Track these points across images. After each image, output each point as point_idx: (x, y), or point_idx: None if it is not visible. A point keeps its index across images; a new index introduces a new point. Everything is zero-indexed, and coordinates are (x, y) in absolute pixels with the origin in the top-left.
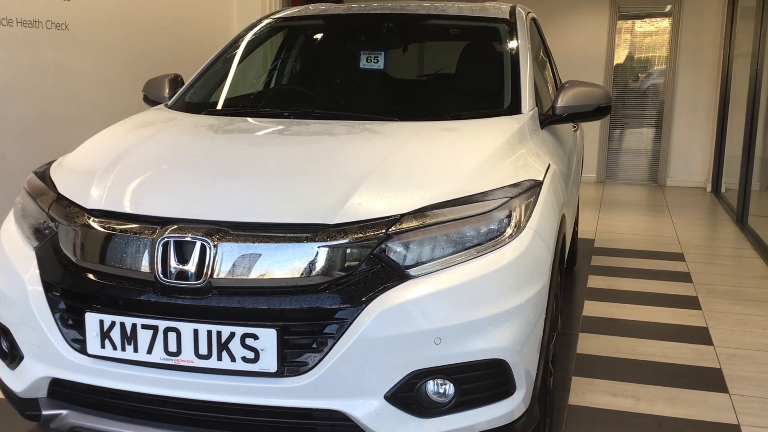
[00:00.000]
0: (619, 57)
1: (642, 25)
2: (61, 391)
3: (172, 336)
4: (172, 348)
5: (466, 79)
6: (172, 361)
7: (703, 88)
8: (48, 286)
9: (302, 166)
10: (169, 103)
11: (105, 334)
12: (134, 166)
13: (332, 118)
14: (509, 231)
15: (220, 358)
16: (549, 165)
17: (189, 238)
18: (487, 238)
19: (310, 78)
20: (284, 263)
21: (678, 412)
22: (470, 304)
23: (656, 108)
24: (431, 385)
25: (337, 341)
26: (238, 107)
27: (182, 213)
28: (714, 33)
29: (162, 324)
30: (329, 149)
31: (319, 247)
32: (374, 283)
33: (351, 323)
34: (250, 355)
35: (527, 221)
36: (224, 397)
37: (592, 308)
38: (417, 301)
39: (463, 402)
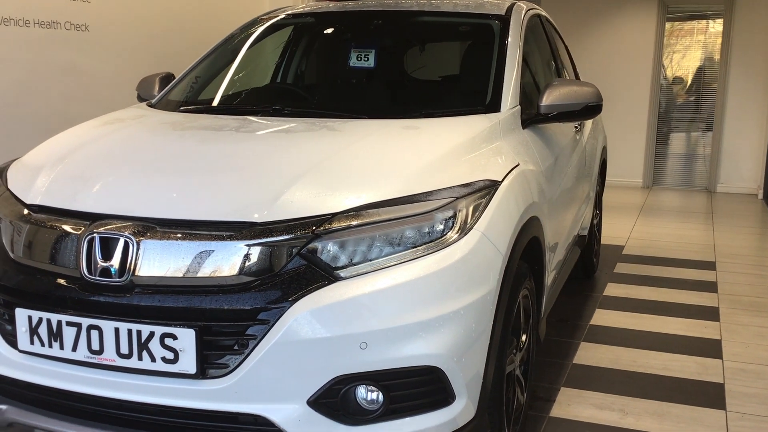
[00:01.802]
0: (667, 58)
1: (692, 26)
2: (2, 386)
3: (94, 334)
4: (95, 346)
5: (452, 76)
6: (96, 359)
7: (755, 90)
8: None
9: (242, 163)
10: (153, 101)
11: (33, 330)
12: (78, 163)
13: (302, 116)
14: (452, 233)
15: (140, 358)
16: (516, 165)
17: (112, 235)
18: (427, 239)
19: (295, 76)
20: (207, 262)
21: (665, 428)
22: (401, 309)
23: (706, 111)
24: (359, 392)
25: (258, 343)
26: (212, 104)
27: (111, 209)
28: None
29: (85, 321)
30: (276, 146)
31: (243, 246)
32: (300, 284)
33: (273, 325)
34: (170, 355)
35: (475, 223)
36: (145, 398)
37: (602, 317)
38: (342, 303)
39: (395, 410)
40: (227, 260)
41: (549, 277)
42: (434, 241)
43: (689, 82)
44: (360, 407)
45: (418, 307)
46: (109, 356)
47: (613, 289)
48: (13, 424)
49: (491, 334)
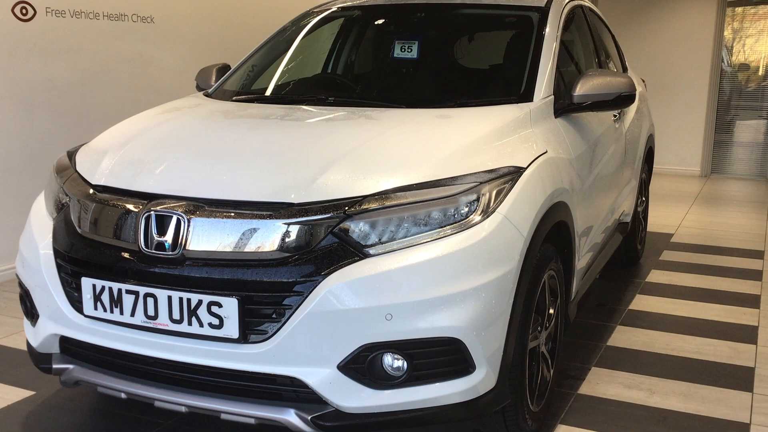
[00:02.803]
0: (739, 43)
1: (753, 11)
2: (70, 348)
3: (150, 301)
4: (151, 312)
5: (490, 67)
6: (151, 324)
7: None
8: (57, 253)
9: (283, 148)
10: (210, 90)
11: (97, 297)
12: (138, 148)
13: (344, 105)
14: (475, 215)
15: (190, 323)
16: (544, 152)
17: (166, 213)
18: (451, 221)
19: (344, 67)
20: (249, 238)
21: (689, 407)
22: (425, 284)
23: None
24: (386, 359)
25: (293, 312)
26: (262, 94)
27: (165, 190)
28: None
29: (142, 290)
30: (316, 134)
31: (281, 224)
32: (332, 260)
33: (307, 296)
34: (215, 321)
35: (498, 206)
36: (194, 359)
37: (641, 302)
38: (370, 278)
39: (418, 376)
40: (267, 237)
41: (580, 261)
42: (458, 223)
43: (758, 69)
44: (385, 373)
45: (440, 283)
46: (163, 321)
47: (656, 276)
48: (79, 382)
49: (512, 311)
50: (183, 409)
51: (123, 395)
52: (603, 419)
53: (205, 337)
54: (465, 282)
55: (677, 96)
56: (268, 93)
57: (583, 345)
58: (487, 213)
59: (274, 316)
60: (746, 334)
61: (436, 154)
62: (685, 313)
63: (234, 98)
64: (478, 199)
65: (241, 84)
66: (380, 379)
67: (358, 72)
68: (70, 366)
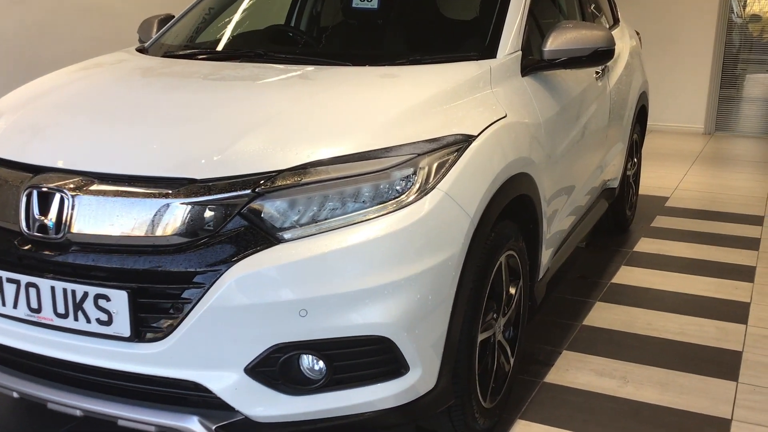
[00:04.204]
0: None
1: None
2: None
3: (32, 292)
4: (34, 304)
5: (454, 20)
6: (35, 317)
7: None
8: None
9: (195, 114)
10: (147, 44)
11: None
12: (34, 112)
13: (284, 62)
14: (410, 192)
15: (76, 318)
16: (503, 117)
17: (47, 189)
18: (382, 199)
19: (303, 19)
20: (142, 220)
21: (665, 399)
22: (347, 274)
23: None
24: (303, 360)
25: (193, 307)
26: (196, 49)
27: (53, 162)
28: None
29: (24, 279)
30: (236, 96)
31: (179, 204)
32: (239, 247)
33: (209, 289)
34: (104, 317)
35: (438, 182)
36: (83, 359)
37: (625, 275)
38: (282, 267)
39: (341, 380)
40: (164, 219)
41: (550, 238)
42: (389, 202)
43: (761, 21)
44: (302, 376)
45: (366, 273)
46: (47, 315)
47: (645, 245)
48: None
49: (454, 301)
50: (78, 412)
51: (15, 394)
52: (567, 413)
53: (93, 334)
54: (396, 271)
55: (680, 48)
56: (204, 48)
57: (556, 324)
58: (425, 190)
59: (171, 311)
60: (736, 313)
61: (372, 121)
62: (672, 288)
63: (165, 53)
64: (415, 174)
65: (183, 37)
66: (296, 384)
67: (310, 25)
68: None
